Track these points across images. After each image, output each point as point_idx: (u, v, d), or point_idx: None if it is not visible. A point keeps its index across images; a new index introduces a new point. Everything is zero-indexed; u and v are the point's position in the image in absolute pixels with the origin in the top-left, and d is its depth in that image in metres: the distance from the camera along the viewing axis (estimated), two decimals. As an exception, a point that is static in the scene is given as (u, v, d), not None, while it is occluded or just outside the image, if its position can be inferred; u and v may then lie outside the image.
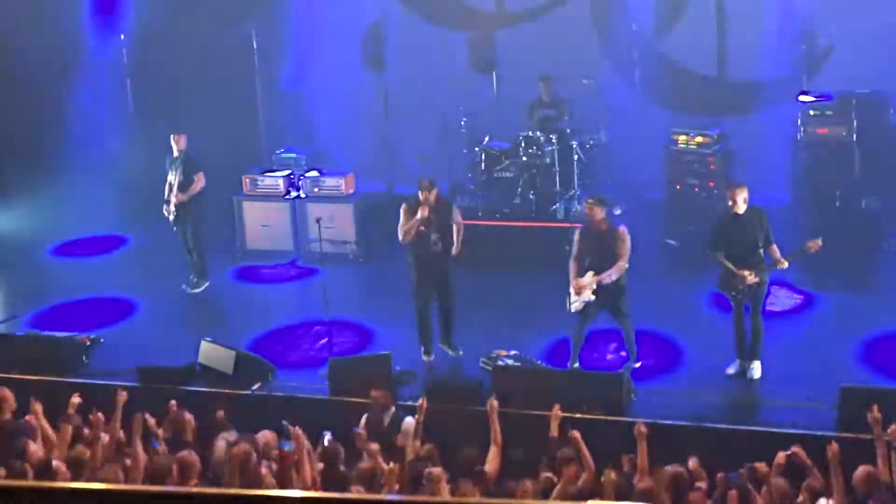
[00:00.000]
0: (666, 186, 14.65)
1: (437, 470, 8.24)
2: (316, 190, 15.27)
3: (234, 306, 13.99)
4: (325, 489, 8.62)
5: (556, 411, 9.49)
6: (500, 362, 11.34)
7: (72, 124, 16.57)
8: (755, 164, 13.96)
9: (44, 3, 16.72)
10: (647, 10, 15.55)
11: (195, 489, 2.69)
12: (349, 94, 16.32)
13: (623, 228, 11.29)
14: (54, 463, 8.67)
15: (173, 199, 13.83)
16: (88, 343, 12.47)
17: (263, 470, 8.64)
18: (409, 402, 10.51)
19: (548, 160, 14.55)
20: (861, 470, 8.23)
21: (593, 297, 11.15)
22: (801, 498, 8.16)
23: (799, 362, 11.43)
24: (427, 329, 11.95)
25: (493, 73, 15.81)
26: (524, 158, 14.57)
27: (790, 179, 13.86)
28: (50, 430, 9.50)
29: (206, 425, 9.94)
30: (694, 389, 10.98)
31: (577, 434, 8.93)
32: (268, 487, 8.15)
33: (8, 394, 9.89)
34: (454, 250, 11.86)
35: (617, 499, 8.12)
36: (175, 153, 13.87)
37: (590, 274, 11.12)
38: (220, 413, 10.19)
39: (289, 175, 15.42)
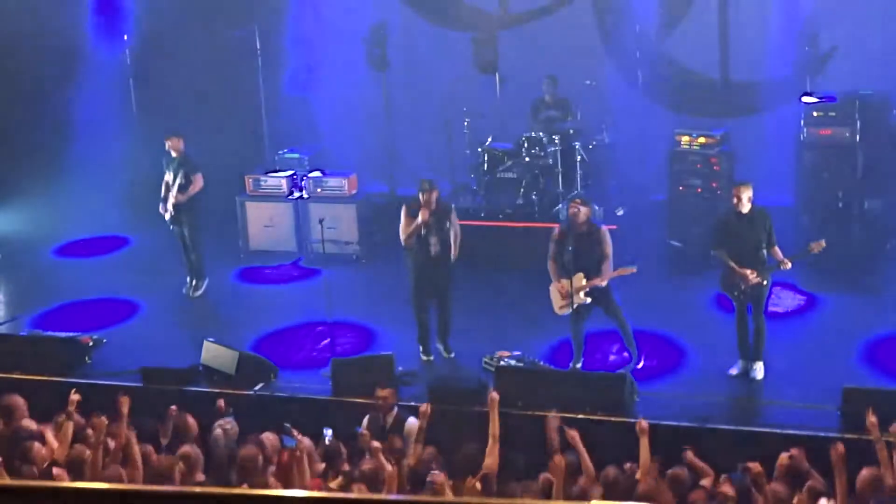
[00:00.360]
0: (669, 187, 14.63)
1: (440, 477, 8.21)
2: (319, 190, 15.28)
3: (236, 307, 13.99)
4: (327, 489, 8.63)
5: (554, 419, 9.39)
6: (502, 363, 11.33)
7: (75, 125, 16.58)
8: (758, 165, 13.93)
9: (47, 4, 16.74)
10: (650, 11, 15.54)
11: (196, 489, 2.68)
12: (352, 95, 16.32)
13: (605, 228, 11.34)
14: (55, 471, 8.66)
15: (171, 199, 13.84)
16: (91, 344, 12.47)
17: (270, 478, 8.64)
18: (412, 403, 10.52)
19: (550, 161, 14.55)
20: (865, 472, 8.22)
21: (588, 300, 11.16)
22: (799, 499, 8.14)
23: (802, 363, 11.42)
24: (425, 330, 11.99)
25: (496, 73, 15.80)
26: (527, 159, 14.56)
27: (793, 180, 13.83)
28: (52, 437, 9.49)
29: (208, 424, 9.94)
30: (697, 390, 10.97)
31: (574, 434, 8.93)
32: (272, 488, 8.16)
33: (20, 401, 9.89)
34: (452, 256, 11.88)
35: (618, 499, 8.12)
36: (174, 155, 13.87)
37: (580, 276, 11.12)
38: (221, 402, 10.21)
39: (292, 175, 15.43)
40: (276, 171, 15.57)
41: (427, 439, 9.49)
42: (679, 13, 15.64)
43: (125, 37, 16.97)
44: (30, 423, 9.63)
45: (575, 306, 11.17)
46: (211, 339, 11.86)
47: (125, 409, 9.35)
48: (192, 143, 14.02)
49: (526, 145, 14.58)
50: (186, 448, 9.03)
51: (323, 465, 9.21)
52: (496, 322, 12.65)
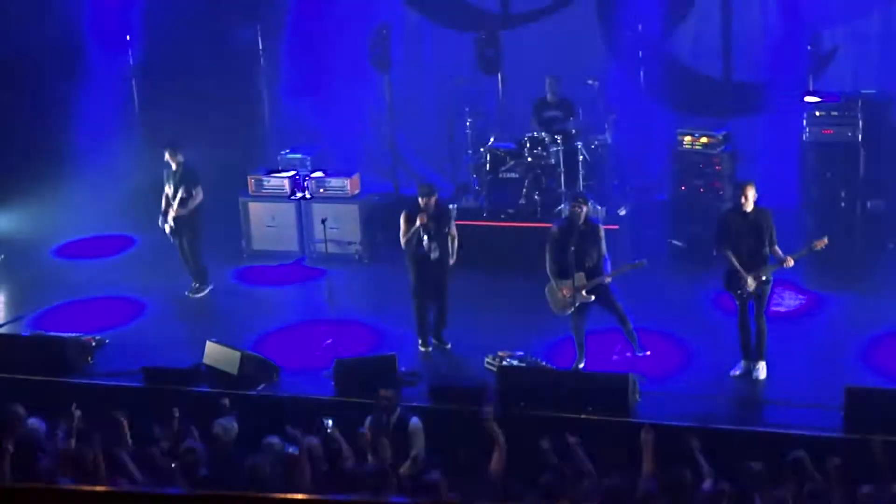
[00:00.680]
0: (671, 187, 14.62)
1: (440, 483, 8.22)
2: (321, 191, 15.27)
3: (239, 307, 13.98)
4: (329, 489, 8.63)
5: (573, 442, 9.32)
6: (505, 363, 11.34)
7: (78, 125, 16.57)
8: (761, 165, 13.93)
9: (49, 4, 16.73)
10: (652, 10, 15.52)
11: (197, 492, 2.68)
12: (355, 95, 16.32)
13: (601, 225, 11.50)
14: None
15: (171, 213, 13.86)
16: (94, 344, 12.48)
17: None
18: (414, 403, 10.52)
19: (553, 161, 14.53)
20: (866, 489, 8.18)
21: (592, 298, 11.23)
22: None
23: (804, 363, 11.42)
24: (424, 325, 12.25)
25: (499, 73, 15.81)
26: (529, 159, 14.55)
27: (795, 180, 13.82)
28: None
29: (209, 424, 9.92)
30: (699, 390, 10.96)
31: (573, 441, 8.96)
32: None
33: (20, 411, 9.88)
34: (450, 260, 11.94)
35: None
36: (173, 167, 13.86)
37: (581, 276, 11.16)
38: (226, 401, 10.22)
39: (294, 176, 15.43)
40: (278, 172, 15.57)
41: (427, 439, 9.50)
42: (681, 13, 15.62)
43: (127, 37, 16.97)
44: (35, 423, 9.64)
45: (577, 304, 11.19)
46: (213, 340, 11.87)
47: (126, 427, 9.37)
48: (194, 144, 14.02)
49: (528, 145, 14.56)
50: (187, 447, 9.03)
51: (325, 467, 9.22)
52: (498, 322, 12.65)
